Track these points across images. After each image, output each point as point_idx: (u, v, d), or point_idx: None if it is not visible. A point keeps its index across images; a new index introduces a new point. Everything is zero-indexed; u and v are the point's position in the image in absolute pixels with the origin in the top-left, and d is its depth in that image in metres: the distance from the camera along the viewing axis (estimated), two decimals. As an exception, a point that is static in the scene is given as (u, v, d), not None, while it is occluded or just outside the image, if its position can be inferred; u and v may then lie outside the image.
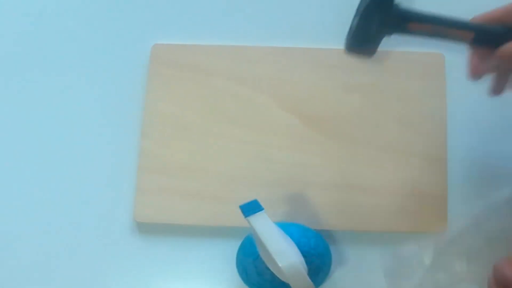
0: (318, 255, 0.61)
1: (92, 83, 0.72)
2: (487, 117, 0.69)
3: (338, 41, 0.71)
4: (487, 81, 0.56)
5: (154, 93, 0.70)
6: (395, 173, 0.66)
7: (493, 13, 0.55)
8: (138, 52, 0.72)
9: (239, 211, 0.66)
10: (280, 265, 0.51)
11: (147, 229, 0.67)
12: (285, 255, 0.52)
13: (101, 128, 0.71)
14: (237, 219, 0.65)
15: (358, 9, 0.55)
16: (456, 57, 0.68)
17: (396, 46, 0.69)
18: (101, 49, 0.73)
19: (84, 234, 0.68)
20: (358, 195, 0.66)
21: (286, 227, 0.60)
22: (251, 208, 0.54)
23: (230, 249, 0.65)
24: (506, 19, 0.54)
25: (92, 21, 0.74)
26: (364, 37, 0.55)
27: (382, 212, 0.65)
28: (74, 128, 0.71)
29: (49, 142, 0.71)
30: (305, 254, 0.57)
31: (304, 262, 0.55)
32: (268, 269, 0.56)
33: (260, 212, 0.54)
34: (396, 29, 0.56)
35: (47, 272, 0.67)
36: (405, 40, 0.71)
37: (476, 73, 0.56)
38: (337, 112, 0.68)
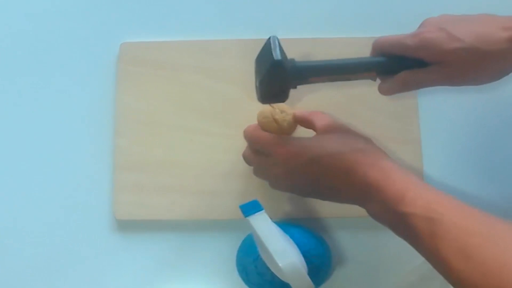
0: (318, 255, 0.61)
1: (62, 84, 0.72)
2: (455, 96, 0.70)
3: (308, 30, 0.72)
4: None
5: (125, 91, 0.70)
6: None
7: (387, 39, 0.58)
8: (106, 52, 0.72)
9: (218, 203, 0.66)
10: (280, 265, 0.51)
11: (128, 226, 0.68)
12: (285, 255, 0.52)
13: (74, 128, 0.70)
14: (217, 212, 0.66)
15: (256, 73, 0.58)
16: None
17: (363, 34, 0.69)
18: (69, 50, 0.73)
19: (65, 234, 0.68)
20: None
21: (287, 228, 0.60)
22: (251, 208, 0.54)
23: (214, 242, 0.67)
24: (391, 49, 0.57)
25: (59, 23, 0.74)
26: (269, 95, 0.58)
27: None
28: (47, 130, 0.70)
29: (22, 145, 0.70)
30: (305, 254, 0.57)
31: (304, 262, 0.55)
32: (268, 269, 0.56)
33: (260, 212, 0.54)
34: (298, 83, 0.58)
35: (28, 272, 0.67)
36: (371, 28, 0.71)
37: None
38: (310, 101, 0.68)
